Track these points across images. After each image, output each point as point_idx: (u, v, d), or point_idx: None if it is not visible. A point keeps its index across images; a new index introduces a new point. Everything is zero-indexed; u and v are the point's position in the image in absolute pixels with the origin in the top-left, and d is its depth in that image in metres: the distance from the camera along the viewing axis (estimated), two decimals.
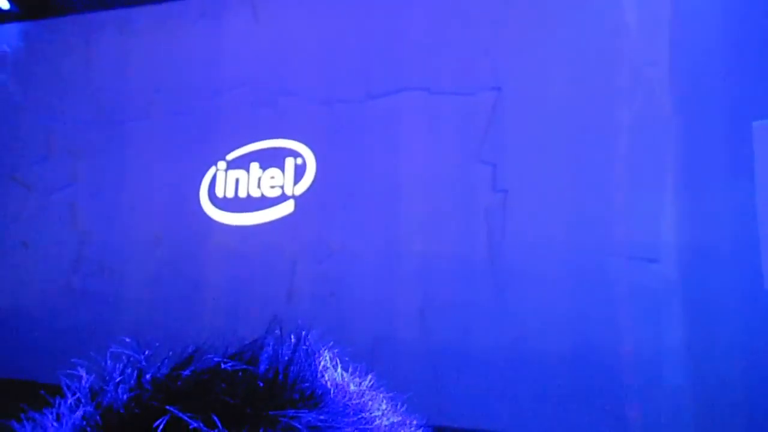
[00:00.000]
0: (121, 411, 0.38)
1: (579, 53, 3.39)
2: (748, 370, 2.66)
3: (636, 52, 3.31)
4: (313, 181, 3.87)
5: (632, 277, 3.08)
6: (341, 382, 0.45)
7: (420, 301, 3.49)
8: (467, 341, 3.33)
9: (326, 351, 0.46)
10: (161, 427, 0.35)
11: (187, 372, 0.40)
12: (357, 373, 0.49)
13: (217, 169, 4.12)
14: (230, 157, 4.10)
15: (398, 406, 0.51)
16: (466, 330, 3.35)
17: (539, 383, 3.15)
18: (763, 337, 2.62)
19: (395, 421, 0.45)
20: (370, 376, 0.48)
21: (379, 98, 3.82)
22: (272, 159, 3.97)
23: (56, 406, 0.40)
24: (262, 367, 0.41)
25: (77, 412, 0.38)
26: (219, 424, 0.35)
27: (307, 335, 0.48)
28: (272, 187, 3.94)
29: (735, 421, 2.68)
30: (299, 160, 3.90)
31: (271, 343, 0.45)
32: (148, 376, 0.40)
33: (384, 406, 0.46)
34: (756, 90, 2.79)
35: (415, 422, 0.47)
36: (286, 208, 3.90)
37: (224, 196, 4.07)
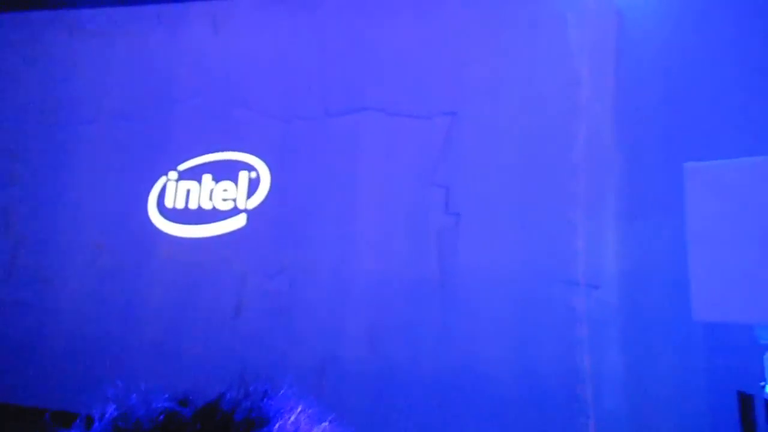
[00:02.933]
0: None
1: (530, 86, 3.54)
2: (680, 394, 2.81)
3: (584, 86, 3.48)
4: (267, 196, 3.83)
5: (575, 302, 3.20)
6: None
7: (369, 321, 3.49)
8: (415, 363, 3.36)
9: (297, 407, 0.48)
10: None
11: None
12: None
13: (168, 179, 4.02)
14: (182, 167, 4.01)
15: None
16: (415, 351, 3.38)
17: (485, 406, 3.20)
18: (693, 363, 2.77)
19: None
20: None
21: (337, 117, 3.84)
22: (226, 171, 3.91)
23: None
24: None
25: None
26: None
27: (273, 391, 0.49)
28: (224, 200, 3.88)
29: None
30: (253, 174, 3.86)
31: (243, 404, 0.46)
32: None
33: None
34: (692, 131, 2.98)
35: None
36: (238, 221, 3.84)
37: (174, 207, 3.96)
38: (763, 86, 2.74)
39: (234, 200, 3.85)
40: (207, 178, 3.94)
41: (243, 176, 3.87)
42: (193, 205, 3.93)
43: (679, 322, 2.83)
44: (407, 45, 3.81)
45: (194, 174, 3.97)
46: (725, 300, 2.07)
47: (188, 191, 3.95)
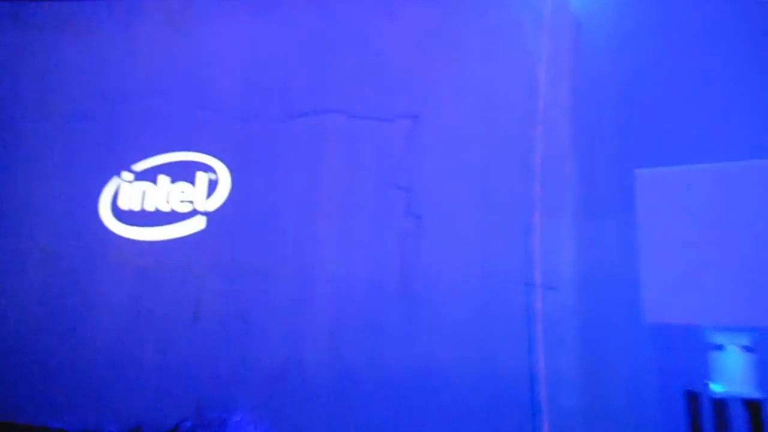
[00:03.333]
0: None
1: (489, 92, 3.59)
2: (631, 393, 2.92)
3: (542, 91, 3.56)
4: (227, 198, 3.76)
5: (533, 303, 3.27)
6: None
7: (331, 324, 3.48)
8: (377, 365, 3.37)
9: None
10: None
11: None
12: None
13: (122, 180, 3.89)
14: (137, 167, 3.88)
15: None
16: (376, 354, 3.39)
17: (445, 407, 3.24)
18: (643, 363, 2.88)
19: None
20: None
21: (299, 118, 3.80)
22: (183, 173, 3.81)
23: None
24: None
25: None
26: None
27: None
28: (182, 201, 3.78)
29: None
30: (213, 176, 3.77)
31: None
32: None
33: None
34: (646, 137, 3.09)
35: None
36: (197, 224, 3.75)
37: (130, 209, 3.84)
38: (714, 95, 2.86)
39: (192, 202, 3.76)
40: (163, 179, 3.83)
41: (201, 177, 3.78)
42: (149, 207, 3.81)
43: (631, 323, 2.93)
44: (370, 47, 3.80)
45: (150, 174, 3.86)
46: (675, 302, 2.16)
47: (144, 192, 3.83)
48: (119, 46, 4.14)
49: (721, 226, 2.08)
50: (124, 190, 3.87)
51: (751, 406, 2.10)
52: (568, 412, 3.15)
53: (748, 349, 2.08)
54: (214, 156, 3.81)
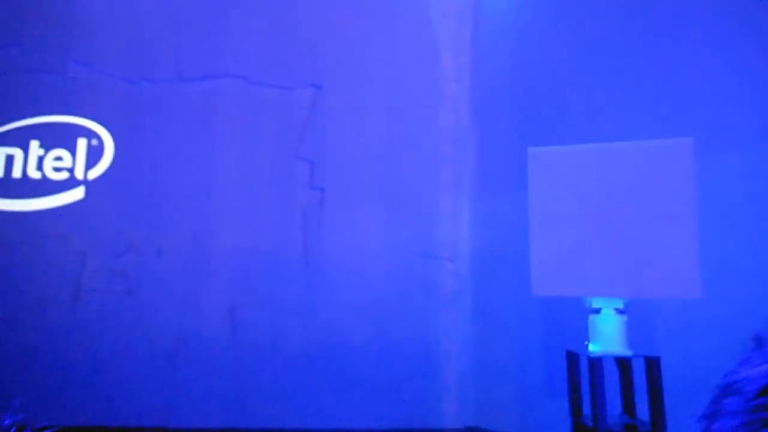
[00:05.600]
0: None
1: (395, 64, 3.59)
2: (520, 355, 3.15)
3: (444, 69, 3.63)
4: (111, 166, 3.44)
5: (433, 274, 3.39)
6: None
7: (230, 299, 3.36)
8: (278, 338, 3.32)
9: None
10: None
11: None
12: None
13: None
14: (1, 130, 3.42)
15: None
16: (278, 327, 3.34)
17: (347, 376, 3.29)
18: (531, 327, 3.12)
19: None
20: None
21: (192, 82, 3.55)
22: (59, 137, 3.42)
23: None
24: None
25: None
26: None
27: None
28: (58, 169, 3.40)
29: (509, 405, 3.16)
30: (94, 141, 3.43)
31: None
32: None
33: None
34: (539, 112, 3.26)
35: None
36: (75, 194, 3.41)
37: None
38: (606, 77, 3.05)
39: (70, 170, 3.40)
40: (34, 144, 3.41)
41: (81, 143, 3.42)
42: (17, 174, 3.39)
43: (520, 290, 3.14)
44: (272, 11, 3.62)
45: (17, 139, 3.41)
46: (560, 276, 2.32)
47: (11, 158, 3.39)
48: None
49: (603, 203, 2.26)
50: None
51: (622, 363, 2.36)
52: (463, 376, 3.33)
53: (620, 311, 2.31)
54: (96, 120, 3.46)
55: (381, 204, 3.48)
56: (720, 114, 2.63)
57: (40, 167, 3.39)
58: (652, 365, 2.18)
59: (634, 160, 2.21)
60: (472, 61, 3.60)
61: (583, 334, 2.38)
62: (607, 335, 2.35)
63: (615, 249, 2.19)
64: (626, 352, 2.29)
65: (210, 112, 3.54)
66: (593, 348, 2.35)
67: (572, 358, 2.46)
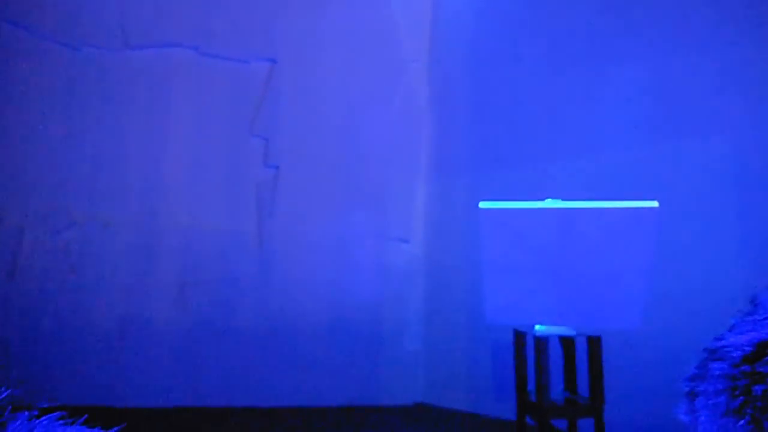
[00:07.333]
0: None
1: (353, 42, 3.54)
2: (469, 334, 3.26)
3: (402, 49, 3.61)
4: (50, 137, 3.25)
5: (388, 255, 3.43)
6: None
7: (179, 277, 3.28)
8: (229, 317, 3.29)
9: None
10: None
11: None
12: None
13: None
14: None
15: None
16: (229, 306, 3.30)
17: (297, 355, 3.31)
18: (481, 312, 3.22)
19: None
20: None
21: (139, 50, 3.38)
22: None
23: None
24: None
25: None
26: None
27: None
28: None
29: (457, 382, 3.27)
30: None
31: None
32: None
33: None
34: (496, 95, 3.30)
35: None
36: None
37: None
38: (566, 60, 3.10)
39: None
40: None
41: None
42: None
43: (471, 271, 3.23)
44: None
45: None
46: (509, 309, 2.37)
47: None
48: None
49: (556, 260, 2.25)
50: None
51: (565, 342, 2.49)
52: (413, 354, 3.42)
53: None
54: (32, 84, 3.24)
55: (336, 183, 3.47)
56: (686, 107, 2.71)
57: None
58: (594, 344, 2.32)
59: (593, 225, 2.14)
60: (431, 42, 3.60)
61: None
62: None
63: (554, 291, 2.23)
64: (570, 332, 2.41)
65: (159, 84, 3.38)
66: (539, 328, 2.46)
67: (519, 337, 2.57)
